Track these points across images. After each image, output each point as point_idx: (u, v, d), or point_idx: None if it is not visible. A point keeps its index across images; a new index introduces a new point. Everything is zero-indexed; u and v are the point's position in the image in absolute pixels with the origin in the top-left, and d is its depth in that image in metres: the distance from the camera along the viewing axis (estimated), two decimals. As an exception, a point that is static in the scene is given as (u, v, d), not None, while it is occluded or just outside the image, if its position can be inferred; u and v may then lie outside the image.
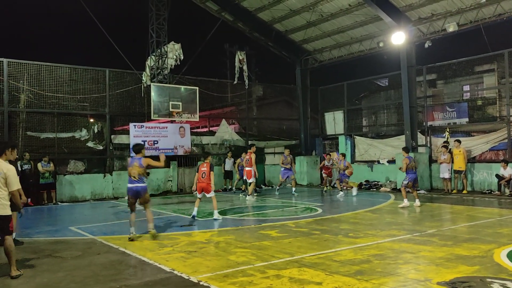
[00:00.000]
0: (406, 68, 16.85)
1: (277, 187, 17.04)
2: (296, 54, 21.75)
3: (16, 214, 7.68)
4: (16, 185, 5.83)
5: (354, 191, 15.60)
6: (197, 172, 10.43)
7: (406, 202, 11.85)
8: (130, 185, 8.14)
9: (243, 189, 16.23)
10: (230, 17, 20.04)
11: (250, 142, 20.12)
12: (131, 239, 7.88)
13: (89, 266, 6.19)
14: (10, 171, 5.82)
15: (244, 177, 15.25)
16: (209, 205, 13.39)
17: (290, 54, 21.83)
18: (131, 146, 16.44)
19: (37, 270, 6.08)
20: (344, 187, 15.86)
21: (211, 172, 10.07)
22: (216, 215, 10.38)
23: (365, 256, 6.34)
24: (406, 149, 12.86)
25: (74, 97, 16.16)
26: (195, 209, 10.49)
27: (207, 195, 10.30)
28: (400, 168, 12.78)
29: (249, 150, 15.21)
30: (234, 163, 18.04)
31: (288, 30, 20.41)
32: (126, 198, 8.64)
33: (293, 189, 16.20)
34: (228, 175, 18.55)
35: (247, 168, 14.90)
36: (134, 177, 8.05)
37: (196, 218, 10.36)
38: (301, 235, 8.10)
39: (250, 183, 14.73)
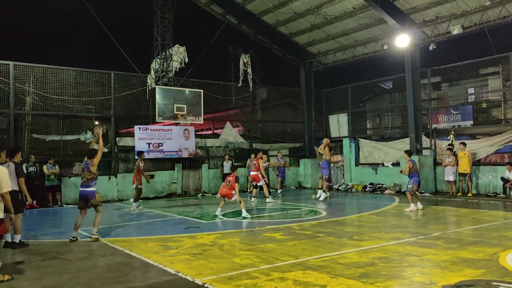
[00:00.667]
0: (411, 70, 16.84)
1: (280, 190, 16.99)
2: (301, 57, 21.77)
3: (20, 216, 7.78)
4: (6, 187, 5.74)
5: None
6: (223, 180, 12.38)
7: (413, 207, 11.71)
8: (80, 189, 8.52)
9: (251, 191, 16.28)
10: (235, 20, 20.12)
11: (254, 146, 20.18)
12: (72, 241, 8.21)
13: (94, 268, 6.22)
14: (1, 172, 5.77)
15: (254, 182, 15.26)
16: (213, 208, 13.44)
17: (295, 57, 21.86)
18: (135, 149, 16.63)
19: (42, 272, 6.11)
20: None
21: (236, 184, 11.11)
22: (244, 213, 10.96)
23: (370, 259, 6.33)
24: (409, 152, 12.71)
25: (79, 100, 16.26)
26: (219, 209, 11.35)
27: (232, 199, 11.30)
28: (401, 172, 12.57)
29: (257, 155, 15.47)
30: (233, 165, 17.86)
31: (293, 33, 20.45)
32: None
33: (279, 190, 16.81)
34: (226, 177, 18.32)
35: (252, 173, 14.90)
36: (84, 181, 8.37)
37: (218, 216, 11.13)
38: (306, 238, 8.10)
39: (261, 186, 15.00)
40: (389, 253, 6.71)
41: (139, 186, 13.39)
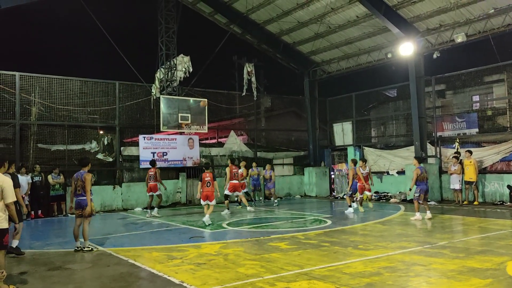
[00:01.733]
0: (415, 78, 16.83)
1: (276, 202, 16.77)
2: (304, 66, 21.83)
3: (22, 224, 7.92)
4: (11, 197, 5.78)
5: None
6: (201, 181, 11.74)
7: (418, 216, 11.54)
8: (75, 198, 8.55)
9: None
10: (239, 30, 20.25)
11: (259, 155, 20.19)
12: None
13: (99, 278, 6.21)
14: (6, 182, 5.82)
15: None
16: (218, 218, 13.40)
17: (298, 66, 21.93)
18: (140, 158, 16.67)
19: (47, 282, 6.11)
20: (271, 197, 16.90)
21: (214, 182, 11.42)
22: (206, 218, 11.33)
23: (376, 269, 6.28)
24: (418, 159, 12.28)
25: (84, 110, 16.36)
26: (207, 216, 11.53)
27: (210, 203, 11.55)
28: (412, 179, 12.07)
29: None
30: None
31: (296, 42, 20.54)
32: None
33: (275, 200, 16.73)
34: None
35: (234, 181, 14.71)
36: (78, 190, 8.39)
37: (207, 225, 11.27)
38: (311, 247, 8.05)
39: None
40: (395, 263, 6.65)
41: (159, 193, 14.19)
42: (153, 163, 14.42)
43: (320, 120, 22.52)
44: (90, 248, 8.31)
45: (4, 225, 5.74)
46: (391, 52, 17.69)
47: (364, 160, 14.78)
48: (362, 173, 13.82)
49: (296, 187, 21.14)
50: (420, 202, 11.75)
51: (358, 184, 13.88)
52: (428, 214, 11.60)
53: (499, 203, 14.75)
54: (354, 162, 14.13)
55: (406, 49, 16.39)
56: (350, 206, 13.52)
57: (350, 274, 6.01)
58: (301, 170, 21.79)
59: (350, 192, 13.83)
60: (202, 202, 11.82)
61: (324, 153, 22.22)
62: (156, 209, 14.18)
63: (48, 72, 15.85)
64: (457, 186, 15.31)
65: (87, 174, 8.37)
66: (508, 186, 14.40)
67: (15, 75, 15.03)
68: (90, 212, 8.37)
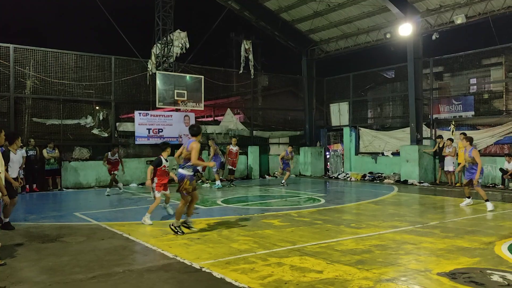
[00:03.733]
0: (413, 60, 16.75)
1: (283, 181, 16.24)
2: (303, 44, 21.63)
3: (12, 201, 7.61)
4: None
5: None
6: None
7: (490, 206, 9.77)
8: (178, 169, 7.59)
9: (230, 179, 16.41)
10: (237, 6, 19.94)
11: (255, 134, 20.16)
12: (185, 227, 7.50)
13: (93, 251, 6.27)
14: None
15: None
16: (212, 194, 13.50)
17: (297, 44, 21.72)
18: (135, 134, 16.63)
19: (42, 254, 6.17)
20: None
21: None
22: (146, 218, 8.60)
23: (367, 246, 6.38)
24: (470, 139, 10.27)
25: (79, 84, 16.21)
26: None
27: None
28: (468, 164, 10.02)
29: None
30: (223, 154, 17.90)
31: (295, 19, 20.29)
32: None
33: (283, 181, 16.19)
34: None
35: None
36: (182, 158, 7.47)
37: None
38: (304, 225, 8.15)
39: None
40: (386, 241, 6.76)
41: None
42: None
43: (317, 100, 22.46)
44: (177, 230, 7.26)
45: None
46: (390, 33, 17.54)
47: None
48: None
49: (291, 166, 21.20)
50: (474, 187, 10.08)
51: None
52: (470, 201, 10.43)
53: (491, 185, 14.91)
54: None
55: (405, 29, 16.25)
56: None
57: (342, 251, 6.10)
58: (296, 150, 21.84)
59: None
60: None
61: (320, 133, 22.27)
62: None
63: (43, 45, 15.64)
64: (450, 168, 15.45)
65: (194, 142, 7.28)
66: (501, 169, 14.54)
67: (9, 47, 14.82)
68: (185, 190, 7.27)
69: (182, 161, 7.42)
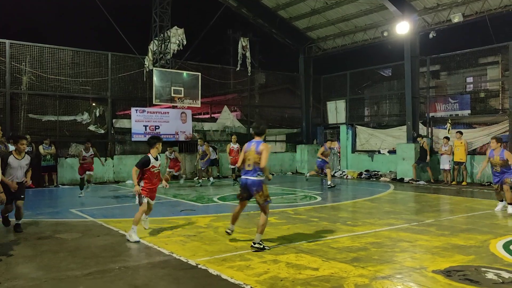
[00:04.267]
0: (410, 58, 16.78)
1: (308, 175, 15.95)
2: (300, 42, 21.62)
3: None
4: None
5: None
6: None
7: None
8: (242, 176, 6.45)
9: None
10: (234, 3, 19.90)
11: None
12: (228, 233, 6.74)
13: (89, 248, 6.27)
14: None
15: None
16: (209, 191, 13.50)
17: (294, 42, 21.71)
18: (132, 131, 16.59)
19: (37, 250, 6.15)
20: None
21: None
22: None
23: (363, 244, 6.40)
24: (500, 140, 9.48)
25: (76, 80, 16.16)
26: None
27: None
28: (499, 168, 9.23)
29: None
30: (215, 151, 17.73)
31: (292, 17, 20.27)
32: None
33: (328, 182, 14.42)
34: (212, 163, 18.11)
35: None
36: (249, 165, 6.31)
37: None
38: (300, 222, 8.17)
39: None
40: (381, 239, 6.78)
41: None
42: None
43: (313, 98, 22.48)
44: (262, 246, 6.02)
45: None
46: (387, 31, 17.56)
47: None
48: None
49: (287, 164, 21.26)
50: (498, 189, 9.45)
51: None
52: (504, 203, 9.40)
53: (486, 184, 14.97)
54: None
55: (403, 27, 16.27)
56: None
57: (337, 249, 6.12)
58: (293, 147, 21.88)
59: None
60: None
61: (317, 130, 22.30)
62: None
63: (39, 41, 15.53)
64: (446, 166, 15.52)
65: (264, 144, 6.33)
66: (497, 168, 14.57)
67: (5, 42, 14.75)
68: (266, 197, 6.23)
69: (249, 166, 6.25)
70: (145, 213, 7.23)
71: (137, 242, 6.53)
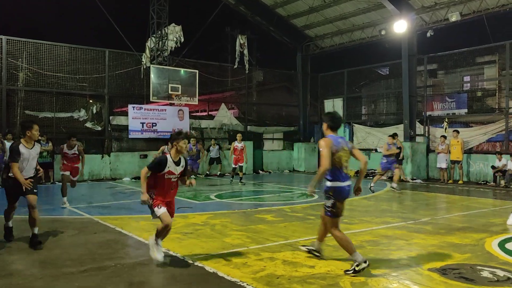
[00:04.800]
0: (407, 57, 16.80)
1: (372, 184, 12.61)
2: (298, 40, 21.61)
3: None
4: None
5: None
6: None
7: None
8: (341, 183, 5.12)
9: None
10: (232, 0, 19.86)
11: (249, 129, 20.14)
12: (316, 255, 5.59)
13: (85, 245, 6.25)
14: None
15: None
16: (205, 189, 13.49)
17: (292, 40, 21.70)
18: (129, 128, 16.54)
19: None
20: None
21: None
22: None
23: (359, 242, 6.41)
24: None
25: (73, 77, 16.10)
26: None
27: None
28: None
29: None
30: (220, 149, 18.10)
31: (290, 15, 20.26)
32: (332, 203, 5.29)
33: (394, 184, 12.64)
34: (213, 161, 18.13)
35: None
36: (346, 167, 5.14)
37: None
38: (296, 220, 8.18)
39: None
40: (378, 237, 6.80)
41: None
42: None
43: (311, 96, 22.49)
44: (359, 267, 4.77)
45: None
46: (385, 29, 17.58)
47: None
48: None
49: (285, 162, 21.27)
50: None
51: None
52: None
53: (483, 182, 15.04)
54: None
55: (400, 26, 16.30)
56: None
57: (334, 246, 6.11)
58: (290, 145, 21.89)
59: None
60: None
61: (314, 129, 22.30)
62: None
63: (36, 37, 15.46)
64: (443, 165, 15.57)
65: (349, 142, 5.42)
66: (492, 167, 14.65)
67: (1, 38, 14.68)
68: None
69: (346, 169, 5.19)
70: (160, 237, 5.33)
71: (160, 260, 5.18)
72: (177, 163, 5.32)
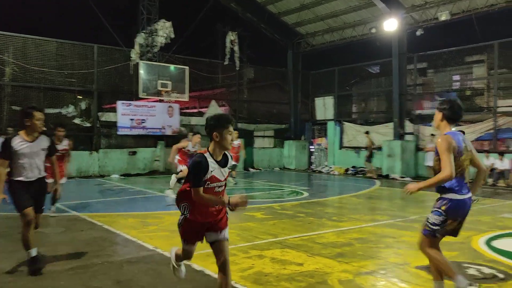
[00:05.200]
0: (397, 55, 16.89)
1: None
2: (289, 37, 21.59)
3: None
4: None
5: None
6: None
7: None
8: (462, 196, 4.04)
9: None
10: (223, -4, 19.78)
11: (240, 127, 20.09)
12: None
13: (72, 242, 6.18)
14: None
15: None
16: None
17: (283, 37, 21.67)
18: (118, 124, 16.38)
19: (19, 244, 6.01)
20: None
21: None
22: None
23: (347, 239, 6.42)
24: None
25: (61, 73, 15.89)
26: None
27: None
28: None
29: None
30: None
31: (282, 12, 20.22)
32: (440, 220, 4.12)
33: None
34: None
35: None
36: (468, 173, 4.11)
37: None
38: (286, 217, 8.17)
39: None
40: (366, 234, 6.82)
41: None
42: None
43: (302, 94, 22.49)
44: None
45: None
46: (375, 27, 17.63)
47: None
48: None
49: (275, 159, 21.27)
50: None
51: None
52: None
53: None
54: None
55: (390, 24, 16.37)
56: None
57: (323, 244, 6.13)
58: (281, 143, 21.89)
59: None
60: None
61: (305, 126, 22.33)
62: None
63: (23, 31, 15.22)
64: (431, 163, 15.64)
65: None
66: (480, 165, 14.76)
67: (-13, 33, 14.44)
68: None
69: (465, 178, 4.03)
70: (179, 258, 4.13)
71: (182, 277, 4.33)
72: (223, 163, 3.55)
